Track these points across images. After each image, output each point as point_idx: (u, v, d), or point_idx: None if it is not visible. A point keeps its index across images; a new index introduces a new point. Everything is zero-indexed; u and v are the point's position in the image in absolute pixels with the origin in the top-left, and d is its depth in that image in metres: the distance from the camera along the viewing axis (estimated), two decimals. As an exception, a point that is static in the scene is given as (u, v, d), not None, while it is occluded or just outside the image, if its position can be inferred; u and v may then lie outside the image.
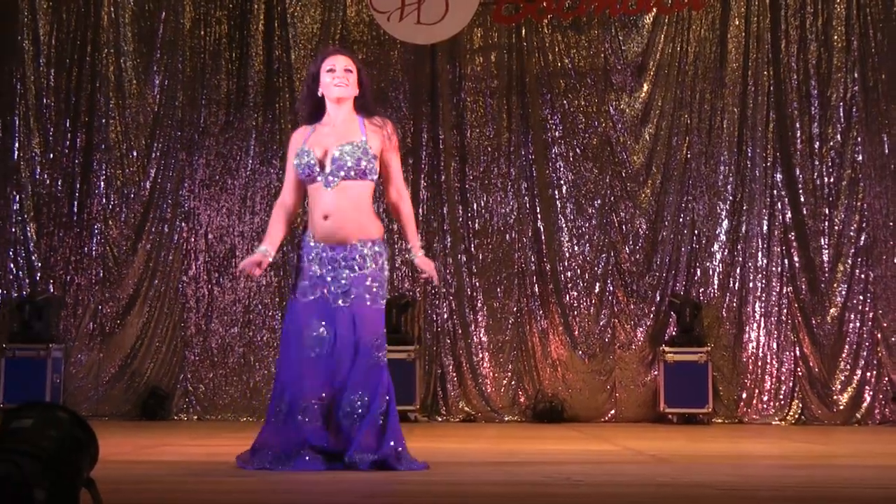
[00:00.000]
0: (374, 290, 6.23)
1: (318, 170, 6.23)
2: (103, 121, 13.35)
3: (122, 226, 13.24)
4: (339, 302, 6.17)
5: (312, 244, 6.29)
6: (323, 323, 6.15)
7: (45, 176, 13.26)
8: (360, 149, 6.24)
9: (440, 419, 12.84)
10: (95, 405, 12.76)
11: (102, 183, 13.30)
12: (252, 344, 13.12)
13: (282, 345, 6.37)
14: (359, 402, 6.13)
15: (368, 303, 6.19)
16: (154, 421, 12.53)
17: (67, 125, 13.34)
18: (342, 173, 6.20)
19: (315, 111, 6.43)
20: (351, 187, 6.23)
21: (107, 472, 4.76)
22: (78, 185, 13.26)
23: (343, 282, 6.19)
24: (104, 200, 13.27)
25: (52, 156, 13.27)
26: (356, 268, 6.19)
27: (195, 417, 12.92)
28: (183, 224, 13.30)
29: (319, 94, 6.40)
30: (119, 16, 13.44)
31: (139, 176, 13.31)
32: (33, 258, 13.12)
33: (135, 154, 13.35)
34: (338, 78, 6.33)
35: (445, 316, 13.19)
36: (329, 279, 6.21)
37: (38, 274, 13.11)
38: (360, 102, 6.41)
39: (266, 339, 13.13)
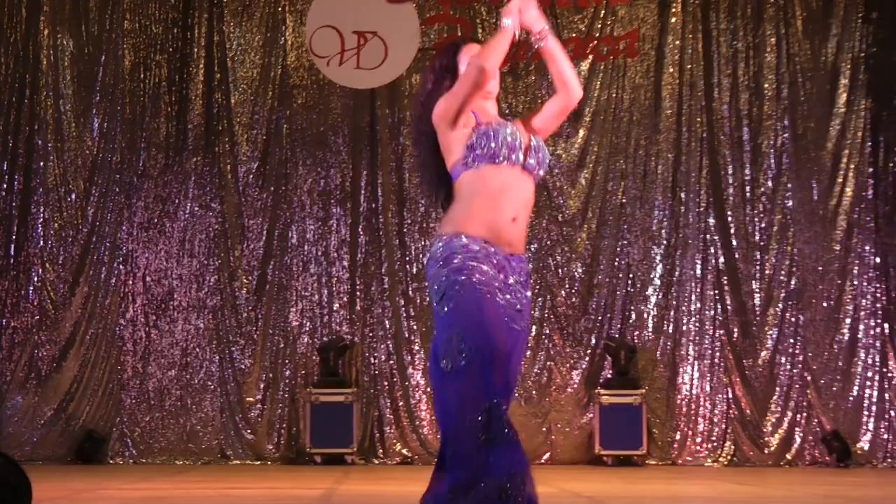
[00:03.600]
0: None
1: (520, 155, 5.06)
2: (41, 163, 13.18)
3: (59, 269, 13.06)
4: (514, 325, 5.00)
5: (492, 248, 4.98)
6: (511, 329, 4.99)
7: (-19, 219, 13.06)
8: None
9: (377, 462, 12.75)
10: (31, 449, 12.54)
11: (40, 226, 13.12)
12: (189, 387, 12.97)
13: (472, 335, 4.82)
14: None
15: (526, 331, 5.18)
16: (90, 465, 12.32)
17: (5, 167, 13.14)
18: (541, 169, 5.17)
19: None
20: (533, 189, 5.15)
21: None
22: (15, 228, 13.05)
23: (520, 302, 5.05)
24: (42, 243, 13.10)
25: (-12, 199, 13.08)
26: (527, 285, 5.12)
27: (131, 461, 12.73)
28: (121, 267, 13.15)
29: None
30: (58, 59, 13.31)
31: (77, 219, 13.13)
32: (-32, 301, 12.90)
33: (73, 197, 13.18)
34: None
35: (383, 358, 13.09)
36: (508, 293, 5.01)
37: (-27, 317, 12.89)
38: None
39: (203, 383, 12.97)
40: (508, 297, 4.95)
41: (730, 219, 13.26)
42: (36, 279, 13.03)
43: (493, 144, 4.96)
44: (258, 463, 12.73)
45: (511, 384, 4.94)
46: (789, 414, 12.96)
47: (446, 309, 4.89)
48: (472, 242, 4.92)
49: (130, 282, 13.14)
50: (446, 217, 5.09)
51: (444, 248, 4.95)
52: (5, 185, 13.12)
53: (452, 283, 4.88)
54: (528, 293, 5.06)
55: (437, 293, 4.93)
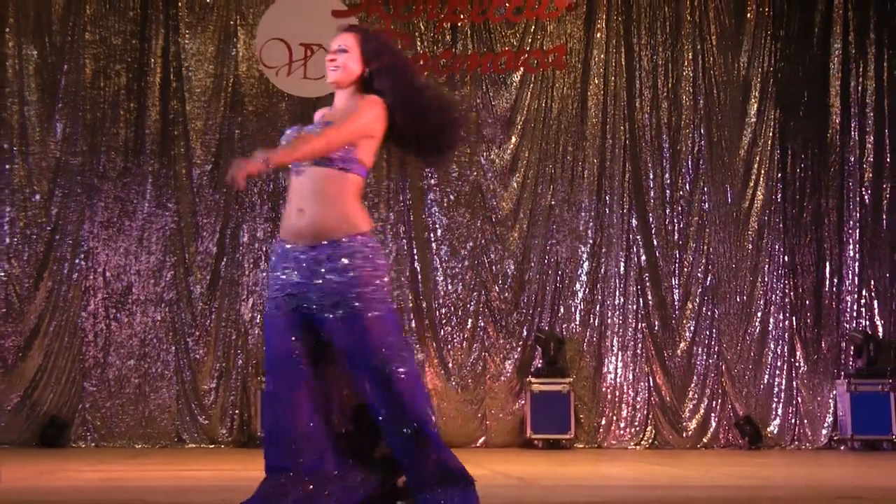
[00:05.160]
0: (370, 294, 4.58)
1: None
2: (7, 166, 13.07)
3: (24, 265, 12.95)
4: (326, 313, 4.58)
5: (287, 246, 4.70)
6: (293, 338, 4.63)
7: (-49, 218, 12.94)
8: (320, 128, 4.69)
9: (324, 445, 12.68)
10: (-2, 434, 12.43)
11: (6, 224, 12.99)
12: (147, 375, 12.91)
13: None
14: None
15: (369, 311, 4.57)
16: (54, 448, 12.25)
17: (-28, 170, 13.04)
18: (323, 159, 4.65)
19: None
20: (325, 176, 4.66)
21: (7, 498, 4.64)
22: (-18, 227, 12.96)
23: (322, 289, 4.59)
24: (7, 240, 12.97)
25: (-43, 199, 12.97)
26: (317, 272, 4.59)
27: (93, 445, 12.65)
28: (83, 263, 13.06)
29: None
30: (23, 67, 13.20)
31: (41, 218, 13.03)
32: (-62, 295, 12.79)
33: (38, 197, 13.08)
34: (330, 62, 4.87)
35: (329, 349, 13.05)
36: (308, 285, 4.62)
37: (-57, 310, 12.78)
38: (376, 85, 4.84)
39: (160, 371, 12.93)
40: (310, 294, 4.61)
41: (651, 220, 13.37)
42: (2, 274, 12.89)
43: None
44: (212, 446, 12.69)
45: (365, 366, 4.54)
46: (706, 400, 13.08)
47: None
48: (278, 248, 4.76)
49: (91, 277, 13.06)
50: None
51: None
52: (-27, 187, 13.03)
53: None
54: (351, 275, 4.57)
55: None
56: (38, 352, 12.82)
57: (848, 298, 13.24)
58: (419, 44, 13.45)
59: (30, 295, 12.93)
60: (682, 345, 13.21)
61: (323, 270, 4.59)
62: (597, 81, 13.51)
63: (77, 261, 13.07)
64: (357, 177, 4.72)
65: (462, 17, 13.48)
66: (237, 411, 12.90)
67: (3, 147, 13.10)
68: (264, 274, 13.16)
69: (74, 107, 13.26)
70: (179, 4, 13.42)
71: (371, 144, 4.79)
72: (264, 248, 13.21)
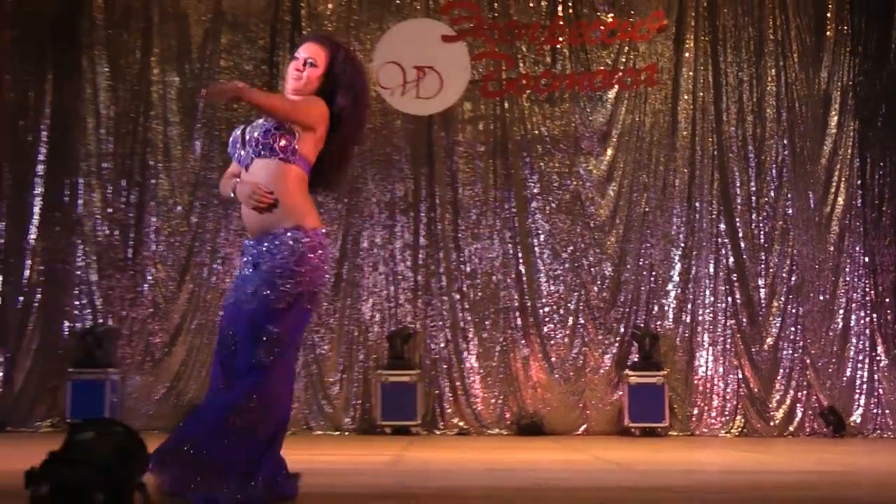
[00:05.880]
0: (283, 286, 4.46)
1: (238, 146, 4.75)
2: (153, 180, 13.41)
3: (168, 269, 13.26)
4: (241, 304, 4.54)
5: (247, 242, 4.68)
6: (230, 332, 4.61)
7: (105, 227, 13.30)
8: (273, 122, 4.64)
9: (438, 433, 12.81)
10: (147, 421, 12.66)
11: (152, 233, 13.33)
12: (277, 368, 13.06)
13: None
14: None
15: (271, 297, 4.46)
16: (195, 434, 12.47)
17: (123, 184, 13.40)
18: (252, 148, 4.64)
19: None
20: (267, 165, 4.60)
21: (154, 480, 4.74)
22: (132, 235, 13.30)
23: (246, 281, 4.55)
24: (154, 247, 13.30)
25: (110, 210, 13.32)
26: (255, 265, 4.52)
27: (230, 431, 12.83)
28: (220, 267, 13.31)
29: None
30: (166, 92, 13.55)
31: (183, 227, 13.35)
32: (95, 296, 13.15)
33: (179, 208, 13.39)
34: (295, 70, 4.81)
35: (442, 345, 13.17)
36: (241, 278, 4.58)
37: (99, 309, 13.11)
38: (339, 100, 4.78)
39: (289, 365, 13.09)
40: (240, 281, 4.58)
41: (738, 224, 13.27)
42: (150, 278, 13.24)
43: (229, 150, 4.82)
44: (337, 433, 12.83)
45: (228, 349, 4.58)
46: (791, 392, 12.96)
47: None
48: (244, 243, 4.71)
49: (228, 280, 13.27)
50: None
51: None
52: (123, 199, 13.38)
53: None
54: (251, 269, 4.53)
55: None
56: (182, 347, 13.13)
57: (926, 296, 13.01)
58: (521, 65, 13.50)
59: (174, 296, 13.24)
60: (768, 340, 13.08)
61: (260, 261, 4.51)
62: (686, 97, 13.44)
63: (215, 265, 13.34)
64: (299, 170, 4.62)
65: (561, 39, 13.51)
66: (359, 401, 13.02)
67: (149, 164, 13.47)
68: (382, 276, 13.29)
69: (211, 127, 13.55)
70: (304, 34, 13.60)
71: (312, 139, 4.69)
72: (382, 254, 13.32)
